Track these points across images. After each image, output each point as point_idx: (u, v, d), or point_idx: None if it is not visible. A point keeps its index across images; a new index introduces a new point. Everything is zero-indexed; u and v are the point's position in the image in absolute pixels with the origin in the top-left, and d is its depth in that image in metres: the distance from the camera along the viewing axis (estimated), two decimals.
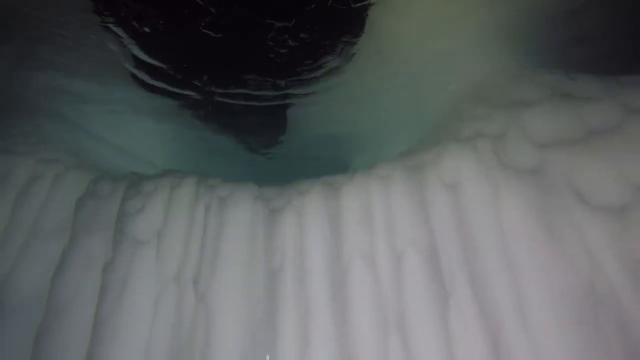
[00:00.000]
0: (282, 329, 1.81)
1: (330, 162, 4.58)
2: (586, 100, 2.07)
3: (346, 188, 2.06)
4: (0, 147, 2.70)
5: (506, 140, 2.03)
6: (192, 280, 2.04)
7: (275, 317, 1.84)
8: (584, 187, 1.78)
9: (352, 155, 4.47)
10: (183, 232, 2.17)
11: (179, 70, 2.96)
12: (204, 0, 2.13)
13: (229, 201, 2.22)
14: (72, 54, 2.85)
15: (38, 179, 2.59)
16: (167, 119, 3.78)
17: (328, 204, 2.04)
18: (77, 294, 2.13)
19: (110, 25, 2.42)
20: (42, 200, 2.51)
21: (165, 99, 3.35)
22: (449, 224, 1.80)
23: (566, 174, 1.83)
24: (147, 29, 2.40)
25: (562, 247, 1.63)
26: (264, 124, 3.99)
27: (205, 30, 2.40)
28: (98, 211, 2.38)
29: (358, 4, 2.27)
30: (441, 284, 1.71)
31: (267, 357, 1.80)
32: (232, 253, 2.05)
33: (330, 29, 2.54)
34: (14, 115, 2.99)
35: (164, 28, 2.42)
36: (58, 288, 2.16)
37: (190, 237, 2.15)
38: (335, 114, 3.56)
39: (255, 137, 4.38)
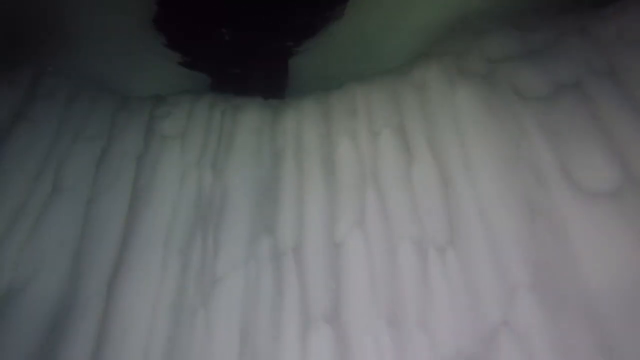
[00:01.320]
0: (282, 193, 2.33)
1: None
2: (531, 28, 2.61)
3: (336, 92, 2.58)
4: (41, 72, 3.19)
5: (465, 56, 2.55)
6: (210, 163, 2.54)
7: (277, 185, 2.36)
8: (521, 85, 2.30)
9: None
10: (203, 129, 2.68)
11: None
12: None
13: (241, 107, 2.73)
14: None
15: (77, 98, 3.07)
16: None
17: (321, 103, 2.56)
18: (118, 176, 2.62)
19: None
20: (83, 114, 2.99)
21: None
22: (416, 111, 2.32)
23: (508, 77, 2.35)
24: None
25: (499, 122, 2.15)
26: (266, 77, 4.46)
27: None
28: (131, 118, 2.88)
29: None
30: (407, 150, 2.23)
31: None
32: (243, 142, 2.57)
33: None
34: (50, 48, 3.45)
35: None
36: (101, 173, 2.66)
37: (209, 133, 2.66)
38: (331, 63, 4.05)
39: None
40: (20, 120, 2.79)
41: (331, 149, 2.35)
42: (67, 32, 3.56)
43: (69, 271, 2.41)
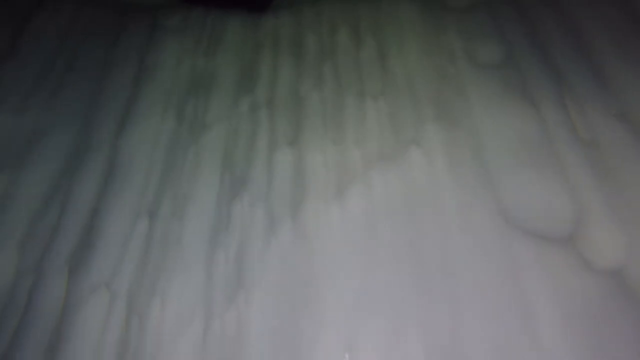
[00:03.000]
0: (260, 69, 2.97)
1: None
2: None
3: (307, 5, 3.27)
4: None
5: None
6: (202, 52, 3.16)
7: (256, 65, 3.00)
8: (447, 3, 3.05)
9: None
10: (197, 28, 3.29)
11: None
12: None
13: (229, 14, 3.37)
14: None
15: (85, 3, 3.61)
16: None
17: (294, 13, 3.24)
18: (124, 61, 3.19)
19: None
20: (91, 15, 3.53)
21: None
22: (368, 17, 3.04)
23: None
24: None
25: (428, 25, 2.89)
26: None
27: None
28: (135, 20, 3.45)
29: None
30: (358, 39, 2.93)
31: None
32: (229, 39, 3.21)
33: None
34: None
35: None
36: (109, 58, 3.22)
37: (202, 32, 3.28)
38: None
39: None
40: (37, 12, 3.33)
41: (300, 40, 3.04)
42: None
43: (82, 126, 2.95)
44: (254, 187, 2.45)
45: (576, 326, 1.81)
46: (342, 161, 2.42)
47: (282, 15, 3.24)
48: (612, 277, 1.86)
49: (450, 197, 2.20)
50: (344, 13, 3.11)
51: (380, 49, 2.84)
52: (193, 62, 3.11)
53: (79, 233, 2.47)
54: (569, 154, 2.20)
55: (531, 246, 1.98)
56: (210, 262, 2.27)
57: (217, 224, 2.39)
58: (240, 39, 3.19)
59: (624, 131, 2.17)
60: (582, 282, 1.87)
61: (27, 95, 2.99)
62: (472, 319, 1.90)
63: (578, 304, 1.85)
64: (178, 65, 3.10)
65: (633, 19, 2.63)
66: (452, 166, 2.28)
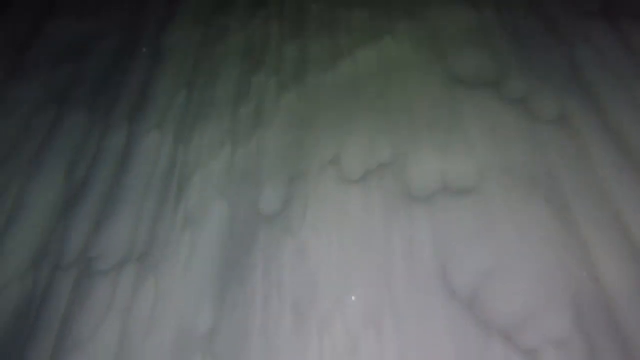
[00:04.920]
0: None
1: None
2: None
3: None
4: None
5: None
6: None
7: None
8: None
9: None
10: None
11: None
12: None
13: None
14: None
15: None
16: None
17: None
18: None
19: None
20: None
21: None
22: None
23: None
24: None
25: None
26: None
27: None
28: None
29: None
30: None
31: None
32: None
33: None
34: None
35: None
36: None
37: None
38: None
39: None
40: None
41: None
42: None
43: (129, 29, 3.74)
44: (268, 66, 3.26)
45: (499, 136, 2.63)
46: (335, 47, 3.25)
47: None
48: (517, 104, 2.70)
49: (413, 66, 3.04)
50: None
51: None
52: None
53: (135, 97, 3.25)
54: (497, 37, 3.06)
55: (469, 91, 2.82)
56: (236, 112, 3.06)
57: (240, 91, 3.18)
58: None
59: (535, 21, 3.05)
60: (498, 109, 2.70)
61: (84, 3, 3.79)
62: (425, 138, 2.70)
63: (498, 123, 2.67)
64: None
65: None
66: (416, 47, 3.13)
